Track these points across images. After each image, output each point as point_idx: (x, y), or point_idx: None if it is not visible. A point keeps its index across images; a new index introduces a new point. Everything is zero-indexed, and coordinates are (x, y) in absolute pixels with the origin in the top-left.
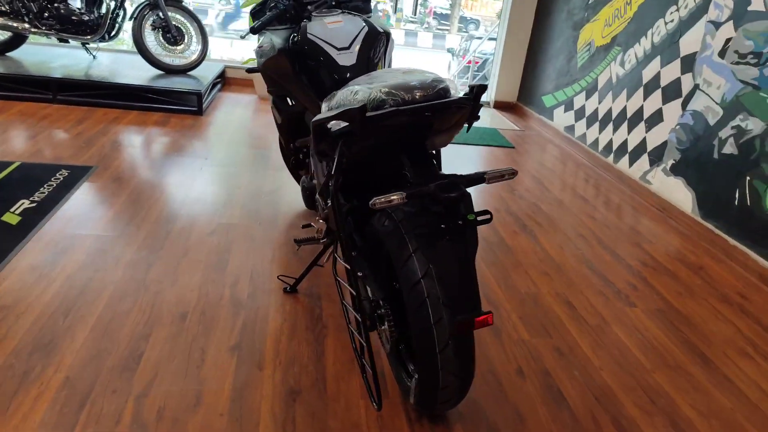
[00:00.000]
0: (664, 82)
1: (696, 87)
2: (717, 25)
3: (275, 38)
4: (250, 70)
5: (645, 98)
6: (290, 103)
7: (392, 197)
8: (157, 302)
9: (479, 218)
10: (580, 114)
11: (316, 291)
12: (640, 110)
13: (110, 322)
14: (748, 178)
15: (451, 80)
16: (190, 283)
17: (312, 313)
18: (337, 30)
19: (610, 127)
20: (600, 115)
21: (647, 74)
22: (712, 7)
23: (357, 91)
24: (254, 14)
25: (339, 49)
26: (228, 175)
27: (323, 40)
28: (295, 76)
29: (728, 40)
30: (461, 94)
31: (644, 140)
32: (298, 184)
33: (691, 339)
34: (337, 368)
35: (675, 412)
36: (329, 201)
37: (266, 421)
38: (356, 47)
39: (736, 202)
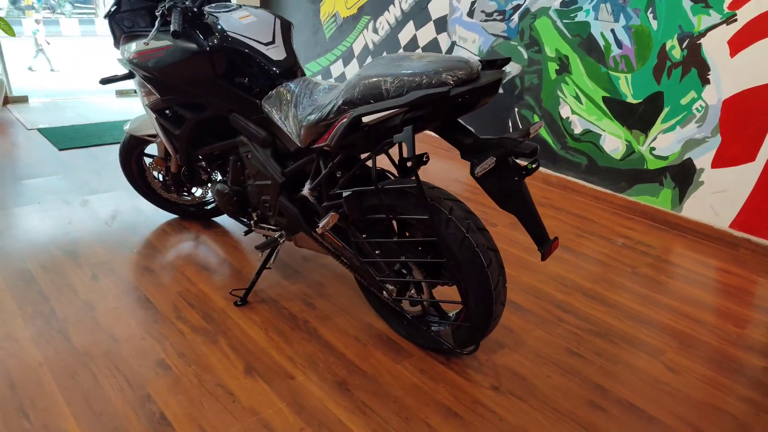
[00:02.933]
0: (422, 42)
1: (454, 43)
2: None
3: (180, 41)
4: (106, 81)
5: None
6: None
7: (489, 163)
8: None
9: (533, 165)
10: (341, 80)
11: (266, 295)
12: None
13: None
14: (516, 109)
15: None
16: (130, 331)
17: (282, 314)
18: (253, 25)
19: None
20: None
21: (404, 37)
22: None
23: (387, 80)
24: (112, 17)
25: (266, 44)
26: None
27: (246, 37)
28: (217, 78)
29: (473, 3)
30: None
31: None
32: (177, 199)
33: None
34: (353, 350)
35: None
36: (340, 193)
37: (344, 416)
38: (280, 40)
39: (510, 129)
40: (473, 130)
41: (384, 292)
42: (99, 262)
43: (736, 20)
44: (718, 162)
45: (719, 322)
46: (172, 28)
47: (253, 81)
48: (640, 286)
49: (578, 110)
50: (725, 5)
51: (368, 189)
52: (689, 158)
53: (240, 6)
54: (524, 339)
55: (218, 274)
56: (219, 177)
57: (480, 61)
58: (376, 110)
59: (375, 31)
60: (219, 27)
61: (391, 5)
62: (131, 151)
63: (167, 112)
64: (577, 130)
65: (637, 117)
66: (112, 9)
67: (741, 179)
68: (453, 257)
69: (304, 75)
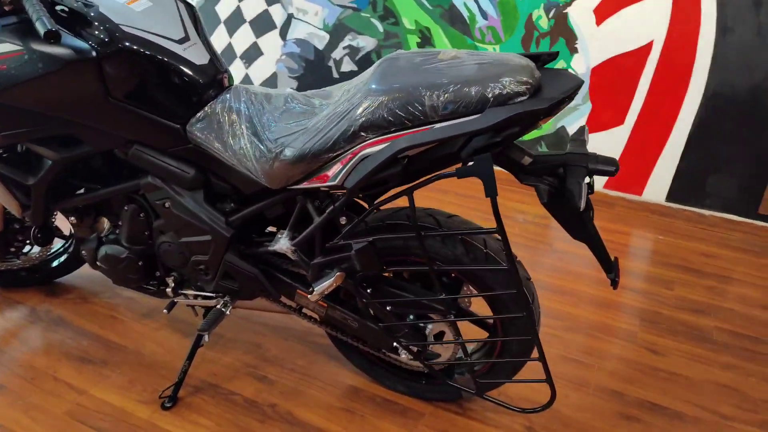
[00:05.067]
0: (249, 16)
1: (291, 16)
2: None
3: (43, 45)
4: None
5: (231, 35)
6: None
7: (583, 190)
8: None
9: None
10: None
11: (198, 381)
12: (229, 47)
13: None
14: None
15: None
16: None
17: (235, 403)
18: (152, 14)
19: None
20: None
21: (224, 9)
22: None
23: (427, 94)
24: None
25: (179, 42)
26: None
27: (149, 32)
28: (108, 98)
29: None
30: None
31: (247, 76)
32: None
33: None
34: (355, 428)
35: None
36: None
37: None
38: (194, 34)
39: None
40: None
41: (401, 353)
42: None
43: None
44: (591, 127)
45: (651, 287)
46: (39, 25)
47: (169, 98)
48: (566, 263)
49: None
50: None
51: (401, 237)
52: (562, 126)
53: None
54: None
55: (110, 367)
56: (91, 234)
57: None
58: (434, 138)
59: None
60: (103, 18)
61: None
62: None
63: (2, 152)
64: None
65: None
66: None
67: (612, 142)
68: (497, 296)
69: (232, 82)
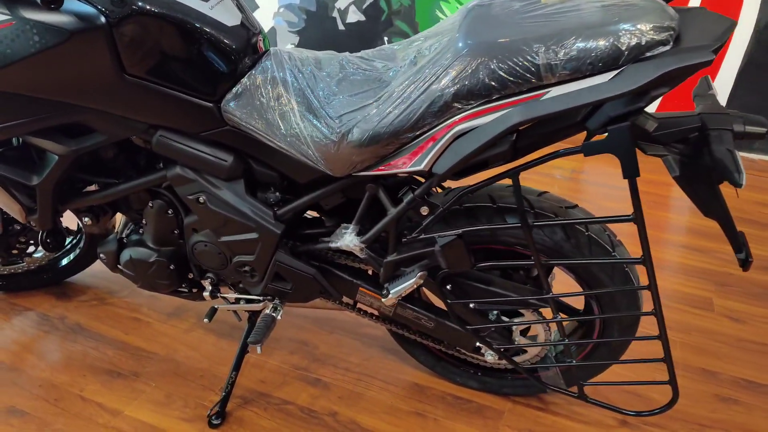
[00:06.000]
0: None
1: None
2: None
3: (43, 15)
4: None
5: None
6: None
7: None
8: None
9: None
10: None
11: (244, 391)
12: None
13: None
14: (386, 38)
15: None
16: None
17: (290, 413)
18: None
19: None
20: None
21: None
22: None
23: (540, 48)
24: None
25: (204, 0)
26: None
27: None
28: (124, 75)
29: None
30: None
31: None
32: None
33: None
34: None
35: None
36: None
37: None
38: None
39: None
40: None
41: (486, 354)
42: None
43: None
44: None
45: (711, 244)
46: None
47: (199, 71)
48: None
49: None
50: None
51: (503, 227)
52: None
53: None
54: None
55: (143, 380)
56: (109, 235)
57: None
58: (563, 107)
59: None
60: None
61: None
62: None
63: None
64: None
65: None
66: None
67: None
68: (603, 287)
69: (268, 45)
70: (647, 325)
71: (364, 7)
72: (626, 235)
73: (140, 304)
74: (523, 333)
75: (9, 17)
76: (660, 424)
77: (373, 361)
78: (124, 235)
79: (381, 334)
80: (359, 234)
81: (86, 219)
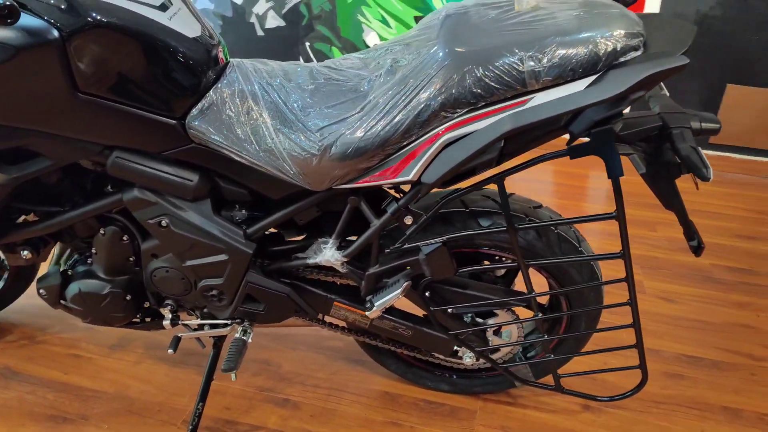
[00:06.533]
0: None
1: None
2: None
3: None
4: None
5: None
6: None
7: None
8: None
9: None
10: None
11: (207, 415)
12: None
13: None
14: (308, 43)
15: None
16: None
17: None
18: None
19: None
20: None
21: None
22: None
23: (523, 56)
24: None
25: (160, 8)
26: None
27: None
28: (76, 93)
29: None
30: None
31: None
32: None
33: None
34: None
35: None
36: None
37: None
38: None
39: None
40: None
41: (464, 356)
42: None
43: None
44: None
45: (638, 230)
46: None
47: (161, 85)
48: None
49: (387, 35)
50: None
51: (488, 231)
52: None
53: None
54: None
55: (94, 422)
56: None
57: None
58: (552, 114)
59: None
60: None
61: None
62: None
63: None
64: None
65: None
66: None
67: None
68: (573, 282)
69: (227, 56)
70: (607, 316)
71: (284, 12)
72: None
73: (77, 338)
74: (495, 332)
75: None
76: (620, 405)
77: (341, 374)
78: (66, 267)
79: (344, 346)
80: (340, 248)
81: (25, 252)
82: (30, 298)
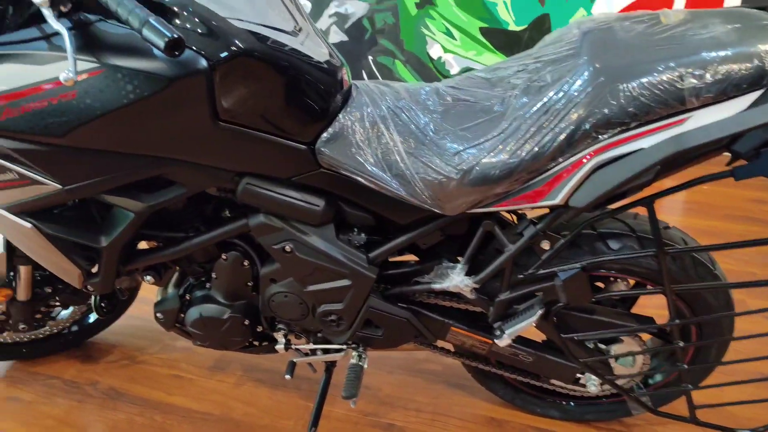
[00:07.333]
0: None
1: None
2: None
3: (136, 61)
4: None
5: None
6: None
7: None
8: None
9: None
10: None
11: (354, 414)
12: None
13: None
14: (371, 57)
15: None
16: None
17: None
18: None
19: None
20: None
21: None
22: None
23: (683, 73)
24: None
25: (291, 34)
26: None
27: (264, 26)
28: (217, 122)
29: None
30: None
31: None
32: (18, 336)
33: None
34: None
35: None
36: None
37: None
38: (301, 19)
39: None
40: None
41: (588, 384)
42: None
43: None
44: None
45: None
46: (151, 32)
47: (294, 112)
48: None
49: (452, 47)
50: None
51: (640, 255)
52: None
53: None
54: None
55: None
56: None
57: None
58: (728, 133)
59: None
60: (204, 12)
61: None
62: None
63: (55, 210)
64: (454, 70)
65: (524, 45)
66: None
67: None
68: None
69: (350, 79)
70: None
71: (346, 26)
72: None
73: (176, 359)
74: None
75: (96, 65)
76: None
77: (443, 398)
78: (184, 293)
79: (442, 369)
80: (469, 273)
81: (148, 277)
82: (125, 319)
